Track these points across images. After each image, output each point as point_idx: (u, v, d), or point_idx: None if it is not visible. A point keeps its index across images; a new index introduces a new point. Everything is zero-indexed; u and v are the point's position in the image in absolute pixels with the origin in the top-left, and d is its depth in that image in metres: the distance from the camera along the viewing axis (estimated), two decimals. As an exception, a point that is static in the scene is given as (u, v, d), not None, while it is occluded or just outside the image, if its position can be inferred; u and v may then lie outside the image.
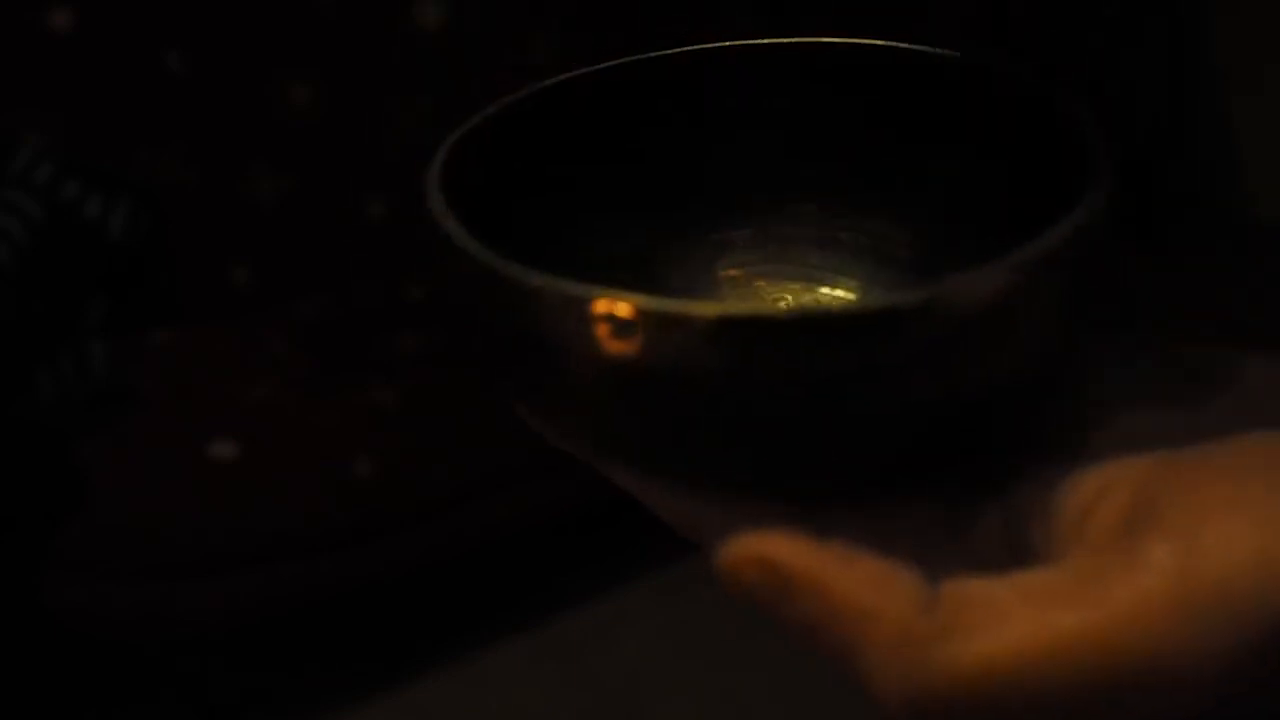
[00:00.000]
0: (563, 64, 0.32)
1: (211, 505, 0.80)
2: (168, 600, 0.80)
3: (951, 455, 0.24)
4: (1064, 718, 0.20)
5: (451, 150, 0.28)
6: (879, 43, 0.32)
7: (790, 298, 0.22)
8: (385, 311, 0.97)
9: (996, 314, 0.22)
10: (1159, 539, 0.20)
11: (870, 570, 0.21)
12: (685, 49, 0.32)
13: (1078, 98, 0.27)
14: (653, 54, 0.32)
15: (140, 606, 0.79)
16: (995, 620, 0.20)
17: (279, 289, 0.98)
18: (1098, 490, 0.22)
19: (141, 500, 0.80)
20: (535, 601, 0.97)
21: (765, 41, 0.32)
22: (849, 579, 0.21)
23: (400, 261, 1.02)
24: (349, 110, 0.98)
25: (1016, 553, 0.24)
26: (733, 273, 0.33)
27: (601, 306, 0.22)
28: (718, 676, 0.90)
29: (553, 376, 0.24)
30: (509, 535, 0.90)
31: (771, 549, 0.21)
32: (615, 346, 0.22)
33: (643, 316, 0.22)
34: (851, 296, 0.31)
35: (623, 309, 0.22)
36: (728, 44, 0.32)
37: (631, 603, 0.97)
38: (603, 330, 0.22)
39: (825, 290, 0.32)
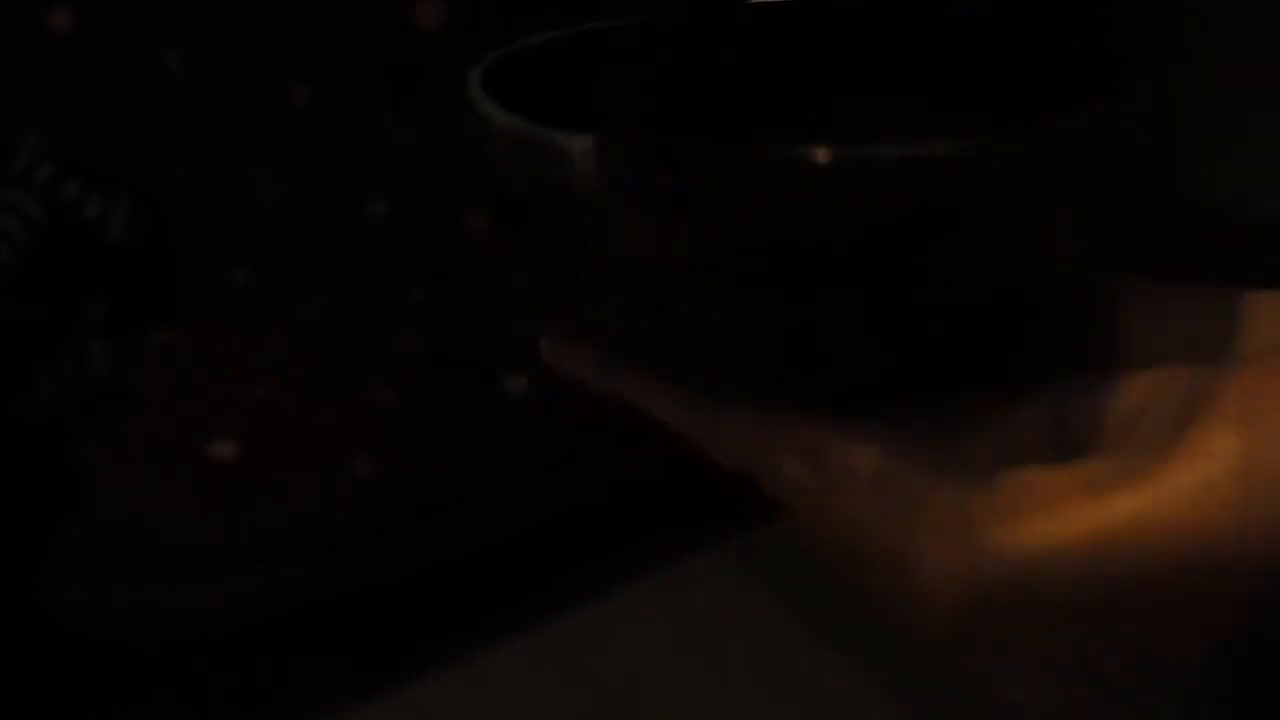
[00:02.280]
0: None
1: (211, 505, 0.80)
2: (168, 600, 0.80)
3: (991, 339, 0.24)
4: (1121, 602, 0.20)
5: (494, 61, 0.28)
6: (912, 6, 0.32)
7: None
8: (385, 311, 0.97)
9: (1032, 174, 0.22)
10: (1221, 428, 0.20)
11: (925, 457, 0.21)
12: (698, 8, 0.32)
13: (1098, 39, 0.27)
14: (695, 9, 0.32)
15: (140, 606, 0.79)
16: (1056, 504, 0.20)
17: (279, 289, 0.98)
18: (1151, 390, 0.23)
19: (141, 500, 0.80)
20: (535, 601, 0.97)
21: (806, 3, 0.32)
22: (897, 466, 0.21)
23: (400, 261, 1.02)
24: (349, 110, 0.98)
25: (1062, 453, 0.24)
26: None
27: (638, 154, 0.22)
28: (718, 676, 0.90)
29: (591, 246, 0.23)
30: (509, 535, 0.90)
31: (815, 440, 0.22)
32: (651, 199, 0.22)
33: (680, 159, 0.21)
34: None
35: (658, 154, 0.22)
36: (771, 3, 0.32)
37: (631, 603, 0.97)
38: (639, 182, 0.22)
39: None
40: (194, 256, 0.96)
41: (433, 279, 1.01)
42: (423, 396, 0.88)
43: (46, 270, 0.85)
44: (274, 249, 0.98)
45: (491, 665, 0.91)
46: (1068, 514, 0.20)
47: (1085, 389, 0.24)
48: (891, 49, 0.33)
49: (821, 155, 0.21)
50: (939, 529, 0.20)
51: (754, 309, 0.23)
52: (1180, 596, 0.20)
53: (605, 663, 0.91)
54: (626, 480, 0.92)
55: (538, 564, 1.01)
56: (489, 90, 0.27)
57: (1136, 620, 0.20)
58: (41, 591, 0.79)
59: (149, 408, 0.85)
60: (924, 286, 0.22)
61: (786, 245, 0.22)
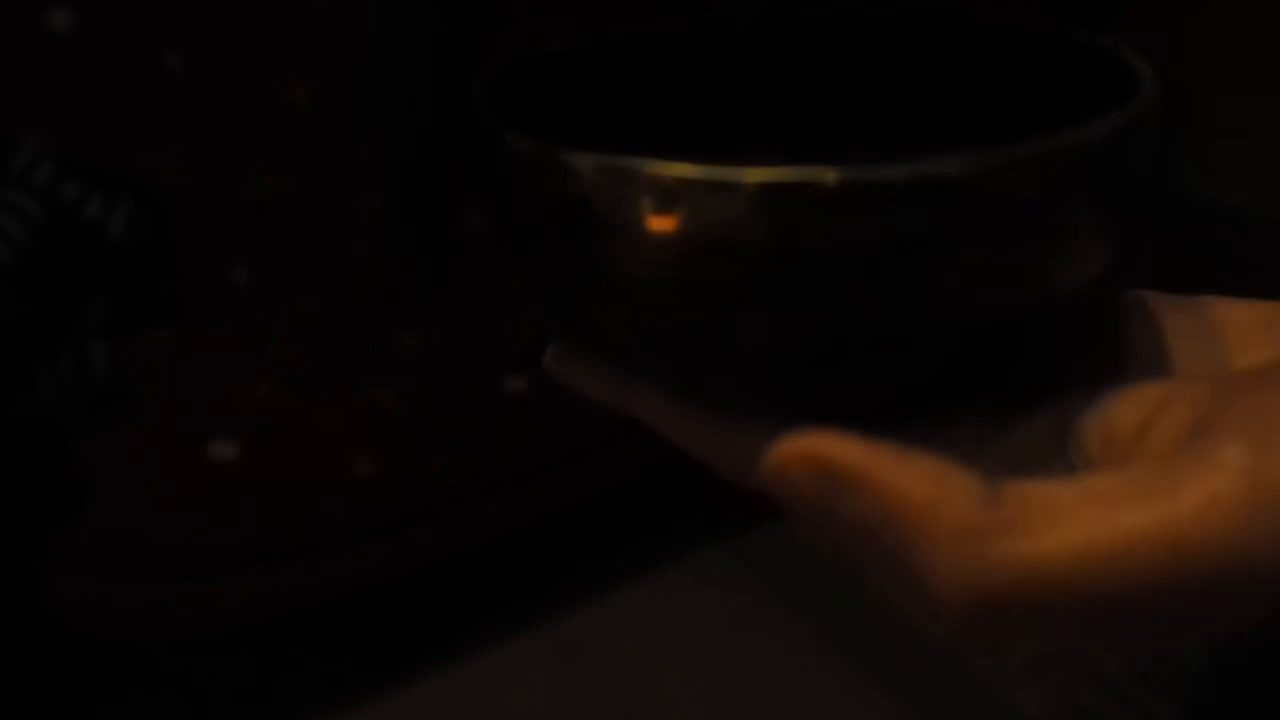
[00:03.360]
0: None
1: (211, 505, 0.80)
2: (168, 600, 0.80)
3: (999, 357, 0.24)
4: (1128, 618, 0.20)
5: (495, 71, 0.28)
6: (917, 13, 0.31)
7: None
8: (385, 311, 0.97)
9: (1043, 193, 0.22)
10: (1230, 441, 0.20)
11: (927, 465, 0.21)
12: (706, 19, 0.32)
13: (1108, 41, 0.27)
14: (683, 22, 0.32)
15: (140, 606, 0.79)
16: (1061, 518, 0.20)
17: (279, 289, 0.98)
18: (1160, 402, 0.22)
19: (141, 500, 0.80)
20: (535, 601, 0.97)
21: (790, 13, 0.32)
22: (906, 473, 0.21)
23: (400, 261, 1.02)
24: (349, 111, 0.98)
25: (1070, 466, 0.23)
26: None
27: (648, 177, 0.22)
28: (718, 676, 0.90)
29: (600, 264, 0.23)
30: (509, 535, 0.90)
31: (823, 446, 0.21)
32: (662, 221, 0.22)
33: (688, 185, 0.21)
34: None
35: (669, 177, 0.21)
36: (758, 15, 0.32)
37: (631, 603, 0.97)
38: (649, 203, 0.22)
39: None
40: (194, 256, 0.96)
41: (433, 279, 1.01)
42: (423, 396, 0.88)
43: (46, 270, 0.85)
44: (274, 249, 0.98)
45: (491, 665, 0.91)
46: (1076, 526, 0.20)
47: (1093, 402, 0.24)
48: (899, 56, 0.33)
49: (830, 177, 0.21)
50: (948, 539, 0.20)
51: (763, 326, 0.23)
52: (1187, 607, 0.20)
53: (605, 663, 0.91)
54: (626, 480, 0.92)
55: (538, 564, 1.01)
56: (493, 102, 0.27)
57: (1141, 628, 0.20)
58: (41, 591, 0.79)
59: (149, 408, 0.85)
60: (934, 303, 0.22)
61: (795, 264, 0.22)
